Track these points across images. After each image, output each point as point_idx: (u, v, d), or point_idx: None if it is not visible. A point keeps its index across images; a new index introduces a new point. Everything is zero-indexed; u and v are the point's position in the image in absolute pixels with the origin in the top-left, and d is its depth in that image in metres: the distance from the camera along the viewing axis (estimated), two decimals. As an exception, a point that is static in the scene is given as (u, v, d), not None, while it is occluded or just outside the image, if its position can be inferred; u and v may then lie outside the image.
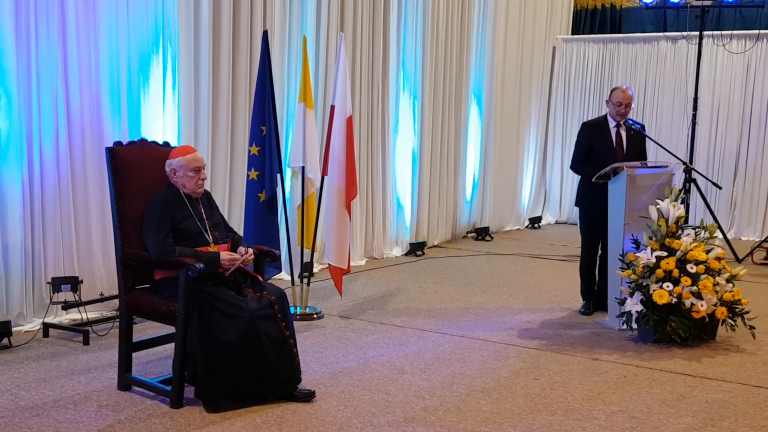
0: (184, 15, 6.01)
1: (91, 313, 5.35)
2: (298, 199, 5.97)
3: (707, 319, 5.28)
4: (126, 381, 4.15)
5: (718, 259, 5.37)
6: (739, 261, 8.42)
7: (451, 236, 9.72)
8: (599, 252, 6.22)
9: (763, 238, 9.38)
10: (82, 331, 5.02)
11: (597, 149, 6.05)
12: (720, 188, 9.05)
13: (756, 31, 10.30)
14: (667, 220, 5.41)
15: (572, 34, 11.97)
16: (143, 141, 4.33)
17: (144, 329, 5.05)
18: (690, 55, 10.48)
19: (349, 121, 5.82)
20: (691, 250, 5.28)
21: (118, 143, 4.17)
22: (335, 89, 5.86)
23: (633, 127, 6.08)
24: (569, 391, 4.36)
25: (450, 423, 3.86)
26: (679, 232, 5.42)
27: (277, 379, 3.99)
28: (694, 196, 9.06)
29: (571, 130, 11.43)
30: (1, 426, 3.66)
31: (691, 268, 5.22)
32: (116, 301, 5.13)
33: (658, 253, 5.30)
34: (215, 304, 3.88)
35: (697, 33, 9.55)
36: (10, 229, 5.05)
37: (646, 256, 5.32)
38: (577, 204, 6.40)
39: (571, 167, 6.37)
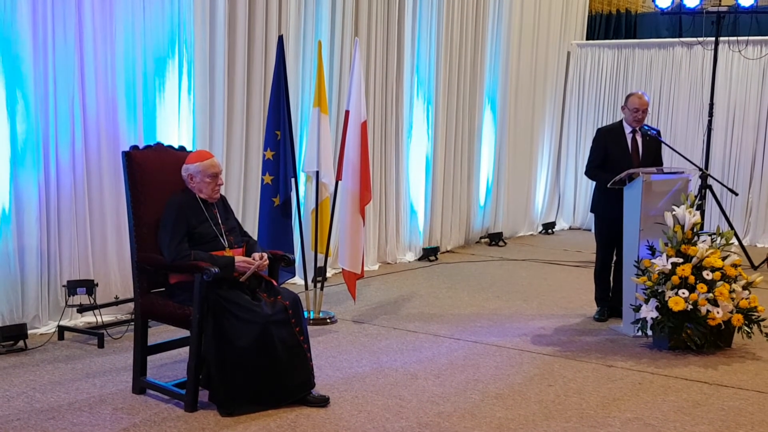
0: (199, 19, 6.04)
1: (106, 317, 5.36)
2: (312, 204, 5.97)
3: (723, 327, 5.25)
4: (141, 384, 4.17)
5: (735, 265, 5.33)
6: (754, 268, 8.36)
7: (464, 241, 9.71)
8: (614, 258, 6.20)
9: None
10: (97, 334, 5.04)
11: (613, 155, 6.03)
12: (736, 195, 8.98)
13: (772, 37, 10.25)
14: (682, 227, 5.38)
15: (587, 39, 11.93)
16: (159, 145, 4.36)
17: (158, 333, 5.07)
18: (705, 61, 10.43)
19: (364, 126, 5.83)
20: (707, 256, 5.25)
21: (135, 147, 4.19)
22: (350, 94, 5.87)
23: (649, 132, 6.06)
24: (584, 397, 4.34)
25: (464, 429, 3.84)
26: (695, 238, 5.39)
27: (291, 383, 3.99)
28: (710, 203, 9.01)
29: (585, 136, 11.39)
30: (17, 428, 3.68)
31: (707, 275, 5.19)
32: (131, 305, 5.16)
33: (674, 259, 5.26)
34: (230, 308, 3.89)
35: (713, 39, 9.50)
36: (27, 232, 5.08)
37: (661, 263, 5.29)
38: (592, 210, 6.37)
39: (586, 173, 6.36)
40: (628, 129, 6.07)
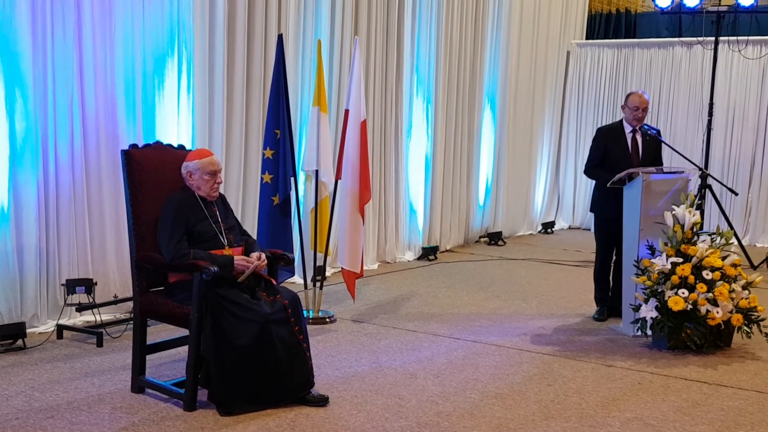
0: (199, 18, 6.03)
1: (105, 315, 5.35)
2: (312, 203, 5.96)
3: (723, 326, 5.25)
4: (139, 383, 4.16)
5: (734, 265, 5.33)
6: (754, 268, 8.36)
7: (463, 241, 9.70)
8: (614, 258, 6.19)
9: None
10: (95, 333, 5.03)
11: (612, 155, 6.02)
12: (736, 194, 8.98)
13: (772, 37, 10.25)
14: (682, 226, 5.38)
15: (587, 38, 11.92)
16: (158, 144, 4.35)
17: (157, 332, 5.06)
18: (705, 61, 10.43)
19: (363, 125, 5.82)
20: (706, 256, 5.25)
21: (134, 146, 4.18)
22: (349, 93, 5.87)
23: (649, 132, 6.05)
24: (583, 397, 4.34)
25: (463, 429, 3.84)
26: (695, 238, 5.38)
27: (290, 383, 3.98)
28: (709, 202, 9.00)
29: (584, 135, 11.39)
30: (16, 427, 3.67)
31: (707, 275, 5.18)
32: (130, 304, 5.16)
33: (674, 259, 5.26)
34: (229, 307, 3.88)
35: (713, 38, 9.50)
36: (25, 231, 5.07)
37: (661, 262, 5.28)
38: (591, 210, 6.37)
39: (585, 172, 6.37)
40: (628, 128, 6.07)
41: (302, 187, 6.51)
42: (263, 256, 4.17)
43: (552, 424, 3.94)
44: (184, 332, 4.13)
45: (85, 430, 3.67)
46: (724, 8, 9.38)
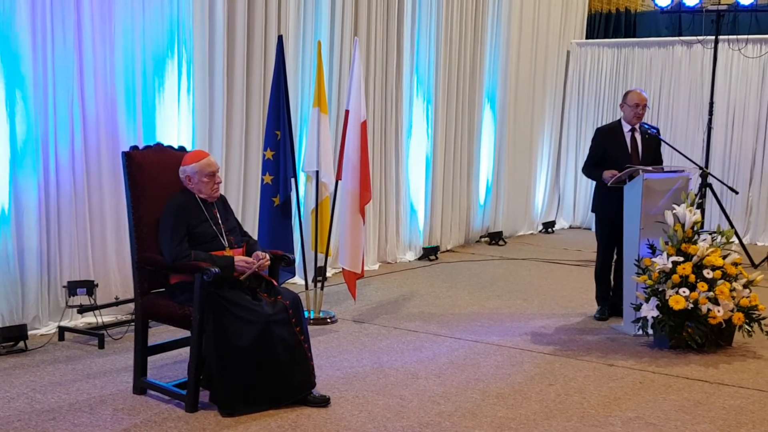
0: (198, 19, 6.03)
1: (107, 317, 5.36)
2: (312, 204, 5.97)
3: (724, 325, 5.24)
4: (141, 385, 4.16)
5: (735, 264, 5.33)
6: (755, 266, 8.35)
7: (464, 241, 9.70)
8: (614, 257, 6.19)
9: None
10: (97, 334, 5.03)
11: (612, 154, 6.02)
12: (737, 193, 8.98)
13: (772, 36, 10.25)
14: (683, 225, 5.38)
15: (586, 38, 11.93)
16: (159, 145, 4.35)
17: (159, 333, 5.06)
18: (705, 60, 10.43)
19: (364, 126, 5.83)
20: (707, 255, 5.25)
21: (134, 147, 4.18)
22: (350, 94, 5.87)
23: (648, 131, 6.05)
24: (585, 397, 4.34)
25: (465, 429, 3.84)
26: (696, 237, 5.38)
27: (292, 383, 3.98)
28: (710, 201, 9.00)
29: (584, 135, 11.39)
30: (18, 429, 3.67)
31: (708, 274, 5.18)
32: (131, 305, 5.15)
33: (675, 258, 5.26)
34: (230, 308, 3.88)
35: (713, 37, 9.50)
36: (26, 233, 5.07)
37: (662, 262, 5.28)
38: (593, 210, 6.37)
39: (582, 170, 6.37)
40: (626, 128, 6.06)
41: (303, 188, 6.51)
42: (267, 255, 4.18)
43: (553, 423, 3.94)
44: (185, 333, 4.13)
45: (87, 431, 3.67)
46: (724, 7, 9.38)
